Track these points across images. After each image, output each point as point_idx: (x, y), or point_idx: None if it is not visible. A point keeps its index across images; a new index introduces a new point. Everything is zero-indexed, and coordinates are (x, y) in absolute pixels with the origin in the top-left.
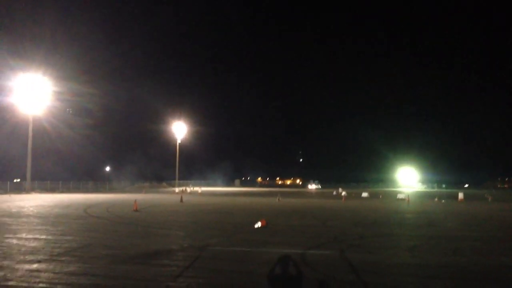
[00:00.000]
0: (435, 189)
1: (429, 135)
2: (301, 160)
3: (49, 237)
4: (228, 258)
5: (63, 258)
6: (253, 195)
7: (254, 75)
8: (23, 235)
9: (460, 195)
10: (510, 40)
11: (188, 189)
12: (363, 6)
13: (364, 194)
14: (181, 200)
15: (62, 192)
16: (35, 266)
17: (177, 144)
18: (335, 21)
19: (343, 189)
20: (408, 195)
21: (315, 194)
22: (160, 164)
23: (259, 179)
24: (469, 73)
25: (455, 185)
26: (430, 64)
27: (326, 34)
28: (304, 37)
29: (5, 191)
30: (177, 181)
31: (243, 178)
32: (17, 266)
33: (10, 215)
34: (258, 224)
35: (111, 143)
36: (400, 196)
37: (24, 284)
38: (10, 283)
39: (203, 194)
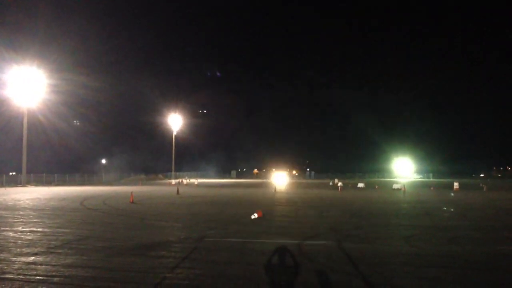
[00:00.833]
0: (431, 179)
1: (425, 126)
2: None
3: (46, 229)
4: (225, 249)
5: (60, 251)
6: (249, 186)
7: (248, 64)
8: (20, 228)
9: (456, 185)
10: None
11: (185, 181)
12: None
13: (360, 185)
14: (178, 192)
15: (58, 185)
16: (32, 258)
17: (173, 136)
18: (331, 3)
19: (339, 179)
20: (404, 185)
21: (311, 184)
22: (156, 156)
23: (255, 170)
24: (464, 63)
25: (450, 175)
26: (425, 54)
27: (319, 17)
28: (296, 22)
29: (1, 184)
30: (173, 173)
31: (239, 170)
32: (13, 258)
33: (6, 208)
34: (255, 215)
35: (106, 135)
36: (396, 186)
37: (21, 277)
38: (7, 275)
39: (199, 185)
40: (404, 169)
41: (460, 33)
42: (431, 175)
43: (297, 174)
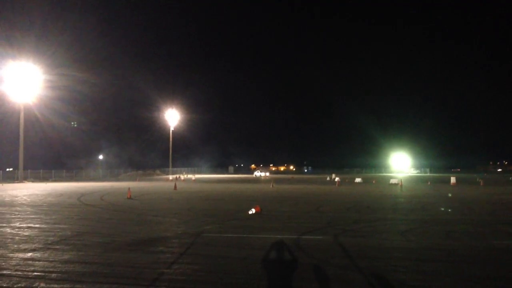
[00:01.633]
0: (428, 174)
1: (421, 121)
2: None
3: (43, 225)
4: (223, 244)
5: (57, 247)
6: (247, 182)
7: (246, 62)
8: (17, 224)
9: (452, 179)
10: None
11: (182, 177)
12: None
13: (358, 180)
14: (175, 188)
15: (55, 181)
16: (29, 254)
17: (170, 131)
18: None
19: (337, 174)
20: (401, 180)
21: (309, 180)
22: (153, 151)
23: (253, 165)
24: (462, 58)
25: (446, 170)
26: (422, 49)
27: (318, 15)
28: (296, 20)
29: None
30: (170, 168)
31: (236, 165)
32: (11, 255)
33: (3, 204)
34: (252, 211)
35: (102, 131)
36: (393, 181)
37: (19, 273)
38: (5, 272)
39: (197, 181)
40: (401, 164)
41: (461, 27)
42: (428, 170)
43: (294, 169)
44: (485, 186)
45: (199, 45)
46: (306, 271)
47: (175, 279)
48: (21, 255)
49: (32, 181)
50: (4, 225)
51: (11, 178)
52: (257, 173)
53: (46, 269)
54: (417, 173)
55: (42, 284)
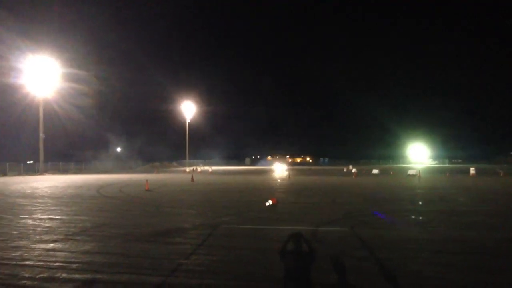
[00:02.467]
0: (446, 165)
1: (440, 111)
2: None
3: (64, 217)
4: (240, 236)
5: (78, 238)
6: (263, 173)
7: (263, 53)
8: (38, 216)
9: (472, 170)
10: None
11: (199, 168)
12: None
13: (375, 171)
14: (192, 179)
15: (74, 173)
16: (51, 245)
17: (187, 124)
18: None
19: (353, 166)
20: (419, 171)
21: (325, 171)
22: (170, 144)
23: (269, 157)
24: (481, 48)
25: (467, 160)
26: (441, 38)
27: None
28: (310, 9)
29: (19, 173)
30: (187, 160)
31: (253, 157)
32: (33, 245)
33: (25, 196)
34: (269, 202)
35: (120, 124)
36: (411, 172)
37: (41, 263)
38: (27, 262)
39: (213, 173)
40: (419, 155)
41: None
42: (446, 160)
43: (311, 160)
44: (505, 177)
45: (214, 37)
46: (324, 263)
47: (193, 270)
48: (43, 246)
49: (52, 174)
50: (26, 216)
51: (32, 171)
52: (276, 165)
53: (68, 260)
54: (436, 164)
55: (64, 274)
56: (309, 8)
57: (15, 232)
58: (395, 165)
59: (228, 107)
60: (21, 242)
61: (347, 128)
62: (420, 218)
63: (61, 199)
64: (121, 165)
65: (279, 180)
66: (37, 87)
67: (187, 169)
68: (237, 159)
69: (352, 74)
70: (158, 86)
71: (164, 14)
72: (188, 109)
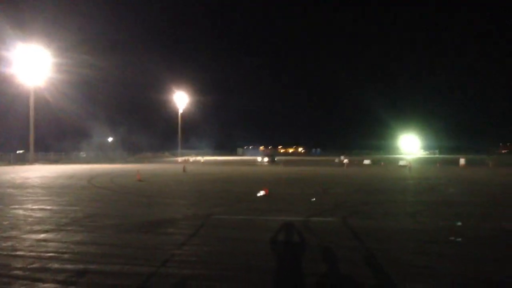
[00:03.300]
0: (437, 155)
1: (431, 102)
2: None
3: (55, 207)
4: (232, 226)
5: (69, 228)
6: (255, 164)
7: (256, 43)
8: (29, 206)
9: (462, 161)
10: None
11: (191, 159)
12: None
13: (366, 161)
14: (184, 170)
15: (64, 163)
16: (42, 236)
17: (179, 114)
18: None
19: (345, 156)
20: (410, 162)
21: (317, 161)
22: (161, 134)
23: (262, 147)
24: (472, 39)
25: (457, 151)
26: (432, 28)
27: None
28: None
29: (9, 163)
30: (179, 150)
31: (245, 147)
32: (24, 236)
33: (15, 186)
34: (261, 193)
35: (111, 114)
36: (402, 162)
37: (33, 254)
38: (19, 252)
39: (205, 163)
40: (410, 146)
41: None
42: (437, 151)
43: (303, 151)
44: (495, 167)
45: (208, 27)
46: (315, 253)
47: (185, 260)
48: (34, 236)
49: (43, 163)
50: (17, 206)
51: (22, 160)
52: (260, 158)
53: (59, 250)
54: (427, 154)
55: (56, 265)
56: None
57: (6, 223)
58: (387, 156)
59: (220, 97)
60: (12, 232)
61: (339, 119)
62: (412, 208)
63: (52, 189)
64: (112, 155)
65: (270, 171)
66: (28, 76)
67: (179, 159)
68: (229, 149)
69: (346, 66)
70: (149, 76)
71: (157, 2)
72: (180, 99)
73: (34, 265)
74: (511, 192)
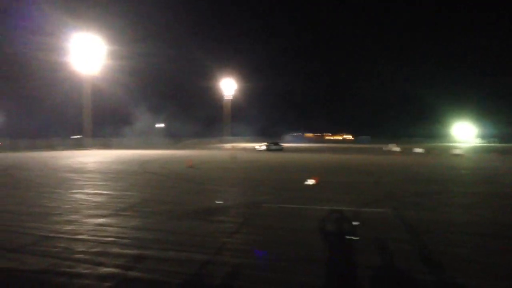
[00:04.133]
0: (495, 144)
1: (488, 87)
2: None
3: (111, 192)
4: (281, 215)
5: (126, 213)
6: (302, 151)
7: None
8: (88, 191)
9: None
10: None
11: (238, 145)
12: None
13: (418, 150)
14: (232, 156)
15: (117, 148)
16: (101, 220)
17: (226, 100)
18: None
19: (395, 144)
20: (464, 151)
21: (366, 149)
22: (204, 120)
23: (309, 134)
24: None
25: None
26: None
27: None
28: None
29: (67, 148)
30: (227, 137)
31: (291, 134)
32: (85, 220)
33: (74, 170)
34: (310, 181)
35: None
36: (455, 151)
37: (94, 238)
38: (80, 236)
39: (254, 150)
40: (465, 134)
41: None
42: (496, 140)
43: (351, 138)
44: None
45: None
46: (366, 244)
47: (237, 249)
48: (93, 220)
49: (97, 148)
50: (77, 191)
51: (78, 145)
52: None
53: (117, 235)
54: (484, 143)
55: (115, 249)
56: None
57: (67, 207)
58: (439, 144)
59: (265, 84)
60: (73, 216)
61: (389, 105)
62: (465, 200)
63: (108, 174)
64: (163, 141)
65: (319, 159)
66: (83, 64)
67: (227, 145)
68: (275, 136)
69: (396, 50)
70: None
71: None
72: (227, 85)
73: (95, 249)
74: None
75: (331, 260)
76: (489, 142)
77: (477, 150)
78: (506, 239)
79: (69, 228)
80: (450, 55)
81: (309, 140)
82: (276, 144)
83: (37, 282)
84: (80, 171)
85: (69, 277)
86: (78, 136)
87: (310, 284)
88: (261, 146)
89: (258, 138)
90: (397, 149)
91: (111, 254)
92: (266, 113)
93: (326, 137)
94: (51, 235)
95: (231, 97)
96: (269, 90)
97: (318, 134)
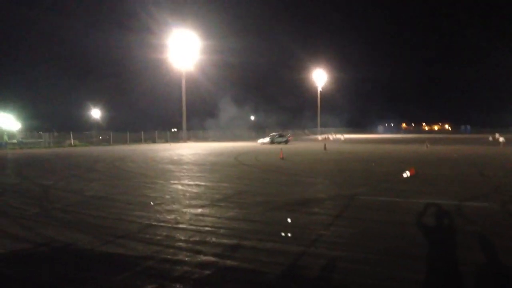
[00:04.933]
0: None
1: None
2: None
3: (208, 183)
4: (377, 208)
5: (222, 204)
6: (397, 142)
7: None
8: (186, 182)
9: None
10: None
11: (331, 137)
12: None
13: None
14: (325, 148)
15: (213, 140)
16: (199, 210)
17: (318, 92)
18: None
19: (501, 134)
20: None
21: (468, 140)
22: (300, 112)
23: (404, 125)
24: None
25: None
26: None
27: None
28: None
29: (166, 140)
30: (319, 128)
31: (386, 124)
32: (184, 210)
33: (173, 162)
34: (407, 173)
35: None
36: None
37: (193, 227)
38: (181, 225)
39: (346, 141)
40: None
41: None
42: None
43: (450, 128)
44: None
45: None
46: (469, 240)
47: (333, 242)
48: (192, 210)
49: (194, 141)
50: (176, 182)
51: (176, 138)
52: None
53: (215, 225)
54: None
55: (214, 239)
56: None
57: (168, 197)
58: None
59: (359, 74)
60: (174, 206)
61: (492, 92)
62: None
63: (204, 166)
64: (254, 134)
65: (415, 150)
66: (180, 60)
67: (319, 137)
68: (368, 127)
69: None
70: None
71: None
72: (319, 76)
73: (195, 238)
74: None
75: (430, 255)
76: None
77: None
78: None
79: (171, 217)
80: None
81: (406, 131)
82: (281, 136)
83: (143, 267)
84: (178, 162)
85: (172, 264)
86: (174, 130)
87: (411, 279)
88: (265, 139)
89: (350, 129)
90: (503, 139)
91: (209, 243)
92: (358, 103)
93: (423, 128)
94: (154, 223)
95: (320, 89)
96: (363, 80)
97: (412, 124)
